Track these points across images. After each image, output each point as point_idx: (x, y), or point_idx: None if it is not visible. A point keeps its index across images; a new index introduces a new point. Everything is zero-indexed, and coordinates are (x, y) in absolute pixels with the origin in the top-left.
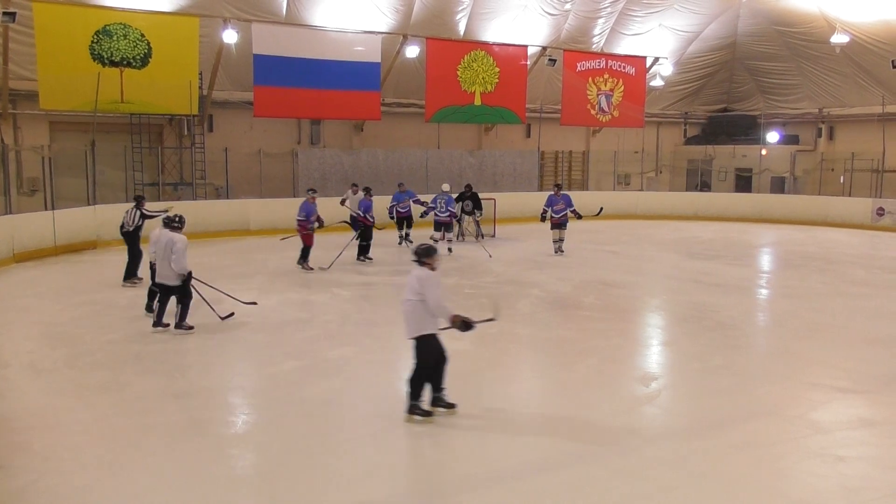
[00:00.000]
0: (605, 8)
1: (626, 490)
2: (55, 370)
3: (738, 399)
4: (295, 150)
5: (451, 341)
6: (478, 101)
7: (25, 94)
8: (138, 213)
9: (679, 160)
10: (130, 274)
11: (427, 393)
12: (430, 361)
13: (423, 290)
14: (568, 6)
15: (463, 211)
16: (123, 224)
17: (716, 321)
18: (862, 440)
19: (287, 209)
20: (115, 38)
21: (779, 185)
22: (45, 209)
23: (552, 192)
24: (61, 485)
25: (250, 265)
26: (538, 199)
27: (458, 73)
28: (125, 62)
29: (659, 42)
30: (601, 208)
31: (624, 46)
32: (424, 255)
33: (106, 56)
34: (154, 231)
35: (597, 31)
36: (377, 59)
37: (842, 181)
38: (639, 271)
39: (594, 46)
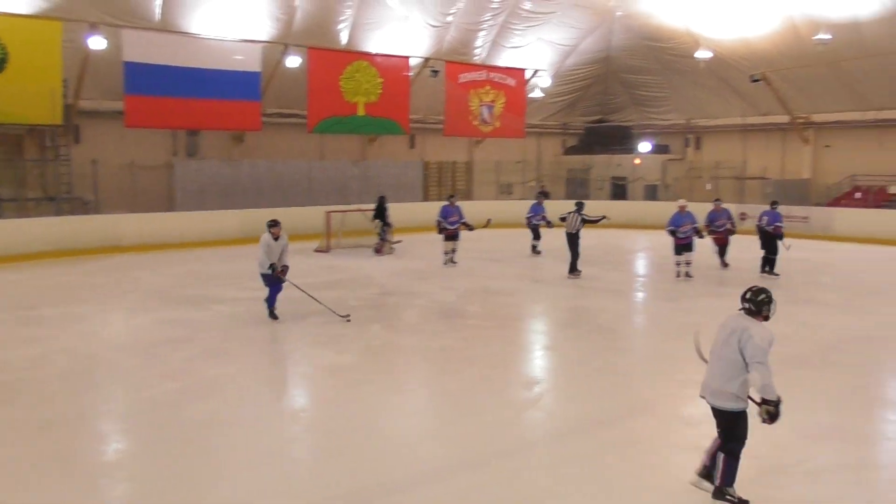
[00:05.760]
0: (486, 21)
1: (512, 494)
2: None
3: (617, 399)
4: (171, 161)
5: (335, 354)
6: (361, 112)
7: None
8: (579, 217)
9: (559, 169)
10: (573, 269)
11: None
12: None
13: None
14: (450, 18)
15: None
16: (567, 227)
17: (596, 324)
18: None
19: (163, 223)
20: None
21: (651, 193)
22: None
23: (447, 204)
24: None
25: (122, 284)
26: (424, 210)
27: (341, 83)
28: None
29: (538, 55)
30: (489, 220)
31: (505, 59)
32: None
33: None
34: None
35: (478, 42)
36: (257, 68)
37: (708, 188)
38: (521, 278)
39: (476, 58)
